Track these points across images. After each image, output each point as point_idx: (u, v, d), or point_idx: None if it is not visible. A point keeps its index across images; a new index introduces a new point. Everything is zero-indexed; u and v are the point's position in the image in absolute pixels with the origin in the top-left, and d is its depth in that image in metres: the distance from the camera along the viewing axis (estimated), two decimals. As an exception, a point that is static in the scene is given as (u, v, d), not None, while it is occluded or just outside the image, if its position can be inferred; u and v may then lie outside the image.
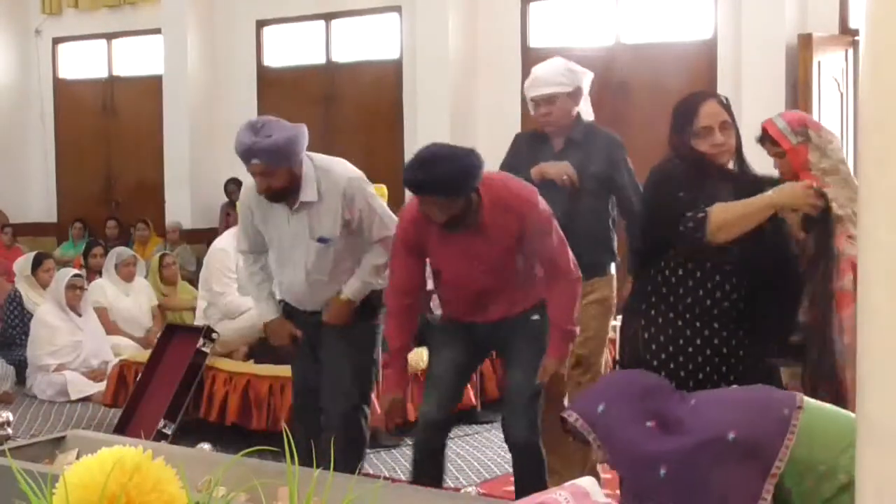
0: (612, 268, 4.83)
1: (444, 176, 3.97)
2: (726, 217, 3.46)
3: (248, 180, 4.62)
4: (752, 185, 3.63)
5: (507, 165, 4.79)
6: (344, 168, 4.60)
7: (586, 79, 4.74)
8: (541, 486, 4.12)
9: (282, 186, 4.37)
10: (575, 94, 4.67)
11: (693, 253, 3.55)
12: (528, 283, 4.25)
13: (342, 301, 4.56)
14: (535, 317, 4.27)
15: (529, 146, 4.79)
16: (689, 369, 3.58)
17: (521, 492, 4.16)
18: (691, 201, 3.50)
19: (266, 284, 4.73)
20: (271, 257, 4.67)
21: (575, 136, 4.69)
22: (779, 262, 3.62)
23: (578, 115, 4.72)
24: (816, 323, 3.71)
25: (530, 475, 4.28)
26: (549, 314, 4.21)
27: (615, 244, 4.82)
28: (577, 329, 4.29)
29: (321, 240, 4.48)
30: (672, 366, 3.60)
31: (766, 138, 4.10)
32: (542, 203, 4.17)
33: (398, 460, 5.71)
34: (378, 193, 6.81)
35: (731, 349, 3.58)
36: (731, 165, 3.75)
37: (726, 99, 3.75)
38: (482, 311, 4.29)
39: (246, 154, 4.31)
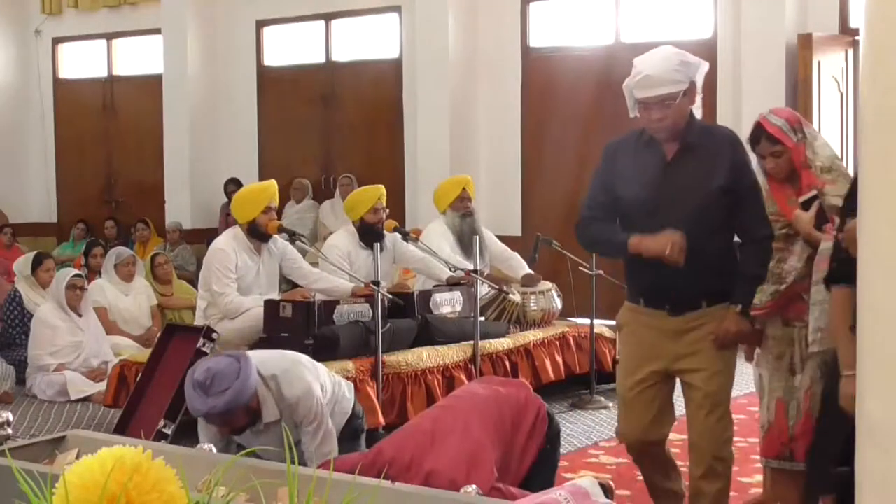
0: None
1: None
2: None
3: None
4: None
5: (600, 181, 4.04)
6: (297, 387, 4.53)
7: (701, 71, 3.92)
8: None
9: (243, 424, 4.44)
10: (691, 92, 3.87)
11: None
12: None
13: None
14: None
15: (635, 155, 3.96)
16: None
17: None
18: None
19: None
20: None
21: (690, 140, 3.90)
22: None
23: (692, 113, 3.93)
24: None
25: None
26: None
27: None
28: None
29: (297, 443, 4.55)
30: None
31: (763, 136, 4.03)
32: None
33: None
34: (376, 194, 6.88)
35: None
36: None
37: None
38: None
39: (203, 418, 4.42)
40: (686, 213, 3.82)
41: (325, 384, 4.66)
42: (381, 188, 7.00)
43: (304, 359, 4.74)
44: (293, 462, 1.60)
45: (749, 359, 4.43)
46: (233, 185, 11.32)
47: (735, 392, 7.07)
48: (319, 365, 4.87)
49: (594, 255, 7.02)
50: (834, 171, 3.89)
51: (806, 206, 3.92)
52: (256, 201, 6.33)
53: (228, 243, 6.35)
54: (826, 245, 3.76)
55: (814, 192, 3.92)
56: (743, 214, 3.86)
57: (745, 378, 7.58)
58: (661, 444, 4.09)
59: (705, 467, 3.93)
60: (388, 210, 6.98)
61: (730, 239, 3.96)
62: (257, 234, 6.36)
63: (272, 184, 6.55)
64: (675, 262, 3.74)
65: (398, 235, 7.00)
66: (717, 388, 3.94)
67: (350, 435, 4.77)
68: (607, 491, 2.66)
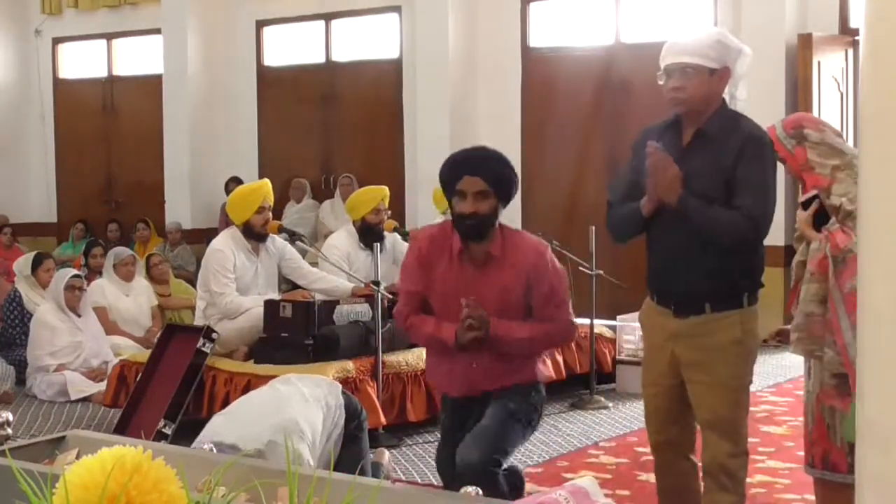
0: (747, 299, 3.78)
1: (495, 158, 4.08)
2: None
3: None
4: None
5: (631, 163, 3.95)
6: (282, 461, 4.17)
7: (742, 59, 3.76)
8: None
9: None
10: (722, 75, 3.71)
11: None
12: (520, 358, 4.10)
13: None
14: (512, 405, 4.06)
15: (657, 137, 3.80)
16: None
17: None
18: None
19: None
20: None
21: (708, 128, 3.74)
22: None
23: (724, 102, 3.79)
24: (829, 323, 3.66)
25: None
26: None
27: (755, 267, 3.83)
28: (515, 345, 4.04)
29: None
30: None
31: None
32: (555, 260, 4.09)
33: (398, 460, 5.71)
34: (379, 195, 6.89)
35: None
36: None
37: None
38: (468, 378, 4.11)
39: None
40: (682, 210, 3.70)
41: (315, 432, 4.38)
42: (385, 189, 7.01)
43: (294, 406, 4.38)
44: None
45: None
46: (234, 183, 11.32)
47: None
48: (308, 395, 4.51)
49: (594, 255, 7.02)
50: (847, 171, 3.81)
51: (806, 206, 3.90)
52: (249, 202, 6.33)
53: (226, 243, 6.35)
54: (817, 245, 3.75)
55: (814, 192, 3.89)
56: (739, 198, 3.66)
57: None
58: (679, 448, 3.90)
59: (713, 479, 3.79)
60: (389, 211, 7.00)
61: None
62: (253, 235, 6.36)
63: (265, 183, 6.55)
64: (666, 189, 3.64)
65: (398, 235, 7.00)
66: (718, 401, 3.76)
67: (349, 438, 4.73)
68: None
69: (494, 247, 4.05)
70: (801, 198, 3.94)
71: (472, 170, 4.00)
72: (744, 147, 3.66)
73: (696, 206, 3.65)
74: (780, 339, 4.48)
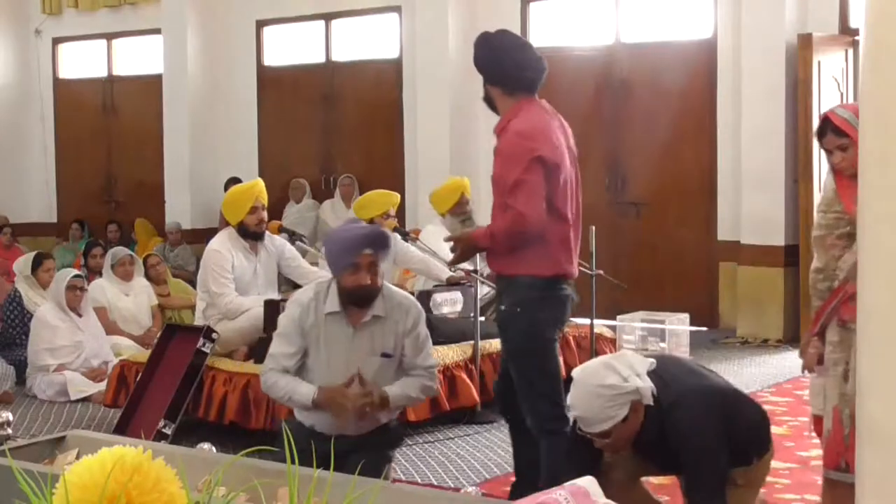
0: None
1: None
2: None
3: (296, 296, 4.55)
4: None
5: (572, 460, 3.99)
6: (407, 298, 4.67)
7: (644, 386, 3.69)
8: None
9: (378, 286, 4.39)
10: (635, 410, 3.69)
11: None
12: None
13: (381, 396, 4.37)
14: (503, 307, 4.41)
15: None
16: None
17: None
18: None
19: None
20: (318, 381, 4.46)
21: (644, 439, 3.78)
22: None
23: (647, 408, 3.75)
24: None
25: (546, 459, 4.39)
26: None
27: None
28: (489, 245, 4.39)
29: (385, 355, 4.46)
30: None
31: (828, 129, 3.94)
32: (528, 143, 4.44)
33: (398, 460, 5.71)
34: (392, 201, 6.96)
35: None
36: None
37: None
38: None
39: (363, 241, 4.33)
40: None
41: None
42: (398, 197, 7.23)
43: None
44: (294, 463, 1.60)
45: (810, 367, 4.24)
46: (233, 183, 11.29)
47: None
48: None
49: (594, 255, 7.01)
50: None
51: None
52: (242, 202, 6.32)
53: (223, 244, 6.33)
54: None
55: None
56: (688, 484, 3.89)
57: (745, 378, 7.59)
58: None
59: None
60: (396, 218, 7.10)
61: None
62: (249, 234, 6.36)
63: (257, 183, 6.53)
64: None
65: (398, 236, 7.01)
66: None
67: (394, 439, 4.73)
68: None
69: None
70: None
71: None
72: (673, 444, 3.76)
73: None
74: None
